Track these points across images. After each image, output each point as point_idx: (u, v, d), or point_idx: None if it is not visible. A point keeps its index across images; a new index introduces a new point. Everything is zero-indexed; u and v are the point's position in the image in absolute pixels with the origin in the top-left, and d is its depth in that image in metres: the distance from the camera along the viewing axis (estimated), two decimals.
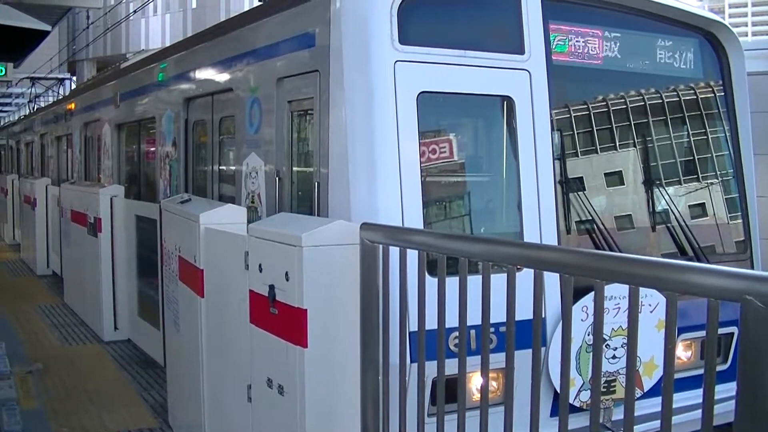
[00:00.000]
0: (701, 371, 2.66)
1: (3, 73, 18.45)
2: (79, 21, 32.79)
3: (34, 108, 27.77)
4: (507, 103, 5.28)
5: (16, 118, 36.19)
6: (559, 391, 3.39)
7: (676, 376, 5.38)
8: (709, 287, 2.55)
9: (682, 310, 5.05)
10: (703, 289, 2.57)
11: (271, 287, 4.51)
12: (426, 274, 4.00)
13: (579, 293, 4.54)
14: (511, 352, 3.43)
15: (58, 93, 27.32)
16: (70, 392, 7.77)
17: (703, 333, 2.62)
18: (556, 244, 5.20)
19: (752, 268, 6.16)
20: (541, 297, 3.28)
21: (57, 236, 13.89)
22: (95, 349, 9.69)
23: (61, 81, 29.60)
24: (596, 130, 5.80)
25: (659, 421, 2.78)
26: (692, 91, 6.21)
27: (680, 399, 5.10)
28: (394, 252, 4.16)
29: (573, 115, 5.69)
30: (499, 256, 3.55)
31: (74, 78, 35.12)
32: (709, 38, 6.25)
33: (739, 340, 2.48)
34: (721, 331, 4.95)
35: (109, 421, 6.95)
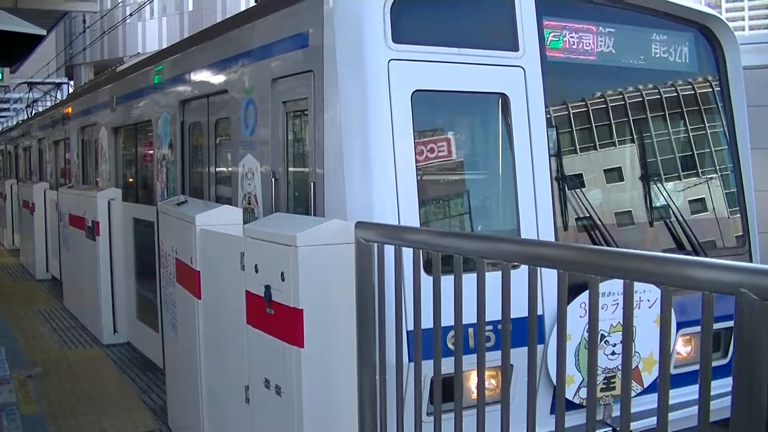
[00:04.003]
0: None
1: (0, 78, 18.42)
2: (75, 25, 32.78)
3: (31, 113, 27.73)
4: (502, 100, 5.27)
5: (14, 123, 36.16)
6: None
7: (676, 371, 5.42)
8: (703, 280, 2.53)
9: (681, 306, 5.08)
10: (697, 282, 2.56)
11: (267, 288, 4.50)
12: (422, 272, 3.98)
13: (578, 290, 4.53)
14: (507, 350, 3.41)
15: (56, 97, 27.28)
16: (70, 396, 7.77)
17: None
18: (553, 241, 5.18)
19: (750, 262, 6.14)
20: (536, 294, 3.27)
21: (56, 240, 13.89)
22: (95, 352, 9.69)
23: (59, 85, 29.55)
24: (592, 126, 5.78)
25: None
26: (688, 86, 6.20)
27: (683, 394, 5.11)
28: (390, 251, 4.14)
29: (569, 111, 5.67)
30: (493, 253, 3.53)
31: (71, 82, 35.09)
32: (705, 32, 6.23)
33: (735, 334, 2.46)
34: (722, 325, 4.96)
35: (108, 424, 6.94)
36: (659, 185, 5.98)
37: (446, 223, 5.33)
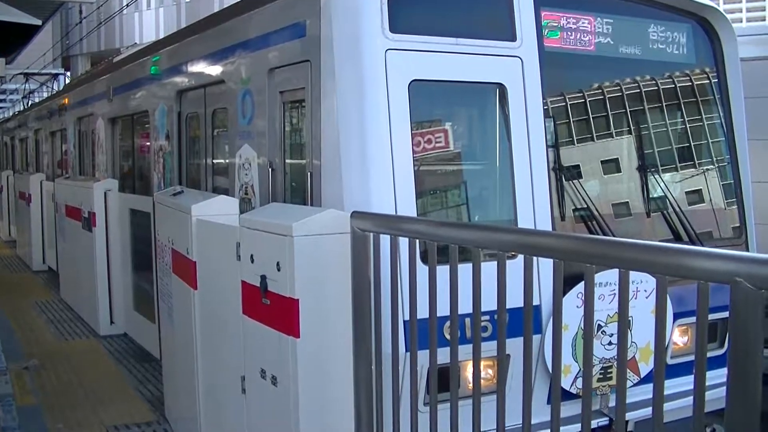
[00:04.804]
0: None
1: None
2: (72, 16, 32.69)
3: (28, 104, 27.67)
4: (499, 90, 5.26)
5: (10, 114, 36.07)
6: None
7: (674, 361, 5.42)
8: (698, 270, 2.53)
9: (679, 296, 5.08)
10: (692, 271, 2.55)
11: (263, 277, 4.49)
12: (419, 262, 3.98)
13: (576, 280, 4.52)
14: (503, 340, 3.41)
15: (53, 88, 27.21)
16: (67, 387, 7.77)
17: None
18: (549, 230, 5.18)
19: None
20: (531, 283, 3.26)
21: (52, 232, 13.88)
22: (91, 343, 9.69)
23: (55, 76, 29.47)
24: (590, 116, 5.77)
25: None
26: (686, 77, 6.19)
27: (679, 384, 5.10)
28: (386, 240, 4.14)
29: (566, 102, 5.66)
30: (489, 242, 3.53)
31: (68, 73, 34.99)
32: (702, 24, 6.22)
33: (729, 323, 2.46)
34: (718, 315, 4.96)
35: (105, 415, 6.95)
36: (656, 176, 5.97)
37: (443, 214, 5.32)
